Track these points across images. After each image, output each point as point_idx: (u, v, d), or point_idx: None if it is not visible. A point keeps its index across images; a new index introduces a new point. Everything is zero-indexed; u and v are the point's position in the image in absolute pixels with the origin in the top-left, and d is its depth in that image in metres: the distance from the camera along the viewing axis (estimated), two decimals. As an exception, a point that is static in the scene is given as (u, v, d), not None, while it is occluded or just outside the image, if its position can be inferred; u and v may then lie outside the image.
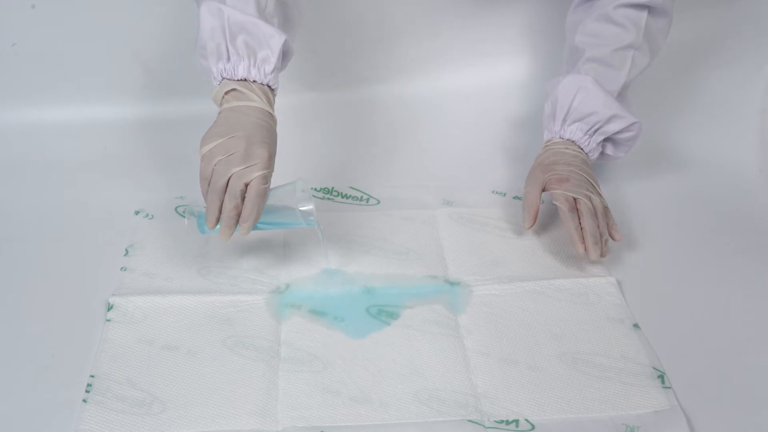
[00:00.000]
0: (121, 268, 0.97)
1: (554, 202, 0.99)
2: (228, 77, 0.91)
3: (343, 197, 1.11)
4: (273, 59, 0.91)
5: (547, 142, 1.08)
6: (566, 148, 1.05)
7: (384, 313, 0.91)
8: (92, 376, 0.82)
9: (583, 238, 0.96)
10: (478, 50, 1.35)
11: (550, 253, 1.01)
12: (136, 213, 1.07)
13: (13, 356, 0.86)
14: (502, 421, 0.79)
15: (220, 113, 0.91)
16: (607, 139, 1.07)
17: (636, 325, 0.90)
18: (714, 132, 1.23)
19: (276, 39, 0.90)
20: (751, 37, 1.26)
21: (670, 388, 0.83)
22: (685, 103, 1.28)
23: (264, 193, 0.87)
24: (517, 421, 0.79)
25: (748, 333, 0.91)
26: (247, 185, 0.86)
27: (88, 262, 0.99)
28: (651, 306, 0.94)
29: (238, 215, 0.87)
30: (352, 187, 1.13)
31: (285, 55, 0.94)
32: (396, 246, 1.02)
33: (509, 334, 0.89)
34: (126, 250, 1.00)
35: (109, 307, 0.91)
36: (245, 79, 0.91)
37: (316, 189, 1.12)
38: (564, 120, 1.05)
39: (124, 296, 0.92)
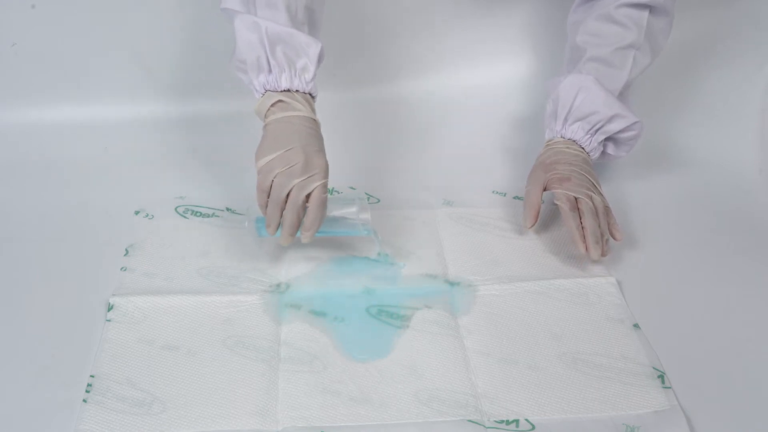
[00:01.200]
0: (121, 268, 0.97)
1: (555, 201, 1.00)
2: (271, 89, 0.93)
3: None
4: (312, 67, 0.93)
5: (548, 141, 1.08)
6: (568, 148, 1.05)
7: (384, 314, 0.91)
8: (92, 376, 0.82)
9: (584, 237, 0.96)
10: (478, 50, 1.35)
11: (550, 253, 1.01)
12: (136, 213, 1.07)
13: (13, 356, 0.86)
14: (502, 421, 0.79)
15: (267, 125, 0.93)
16: (608, 139, 1.07)
17: (636, 325, 0.90)
18: (714, 132, 1.23)
19: (313, 47, 0.93)
20: (751, 37, 1.26)
21: (670, 388, 0.83)
22: (685, 103, 1.28)
23: (325, 202, 0.90)
24: (517, 421, 0.79)
25: (748, 333, 0.91)
26: (308, 195, 0.89)
27: (88, 262, 0.99)
28: (651, 306, 0.94)
29: (299, 223, 0.90)
30: (351, 187, 1.13)
31: (320, 62, 0.96)
32: (396, 246, 1.02)
33: (509, 334, 0.89)
34: (126, 250, 1.00)
35: (110, 308, 0.91)
36: (288, 90, 0.93)
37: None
38: (565, 119, 1.05)
39: (124, 296, 0.92)
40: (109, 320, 0.89)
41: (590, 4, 1.09)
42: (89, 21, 1.23)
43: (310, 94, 0.95)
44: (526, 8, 1.32)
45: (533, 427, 0.79)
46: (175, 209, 1.07)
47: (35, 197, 1.10)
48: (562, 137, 1.06)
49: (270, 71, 0.92)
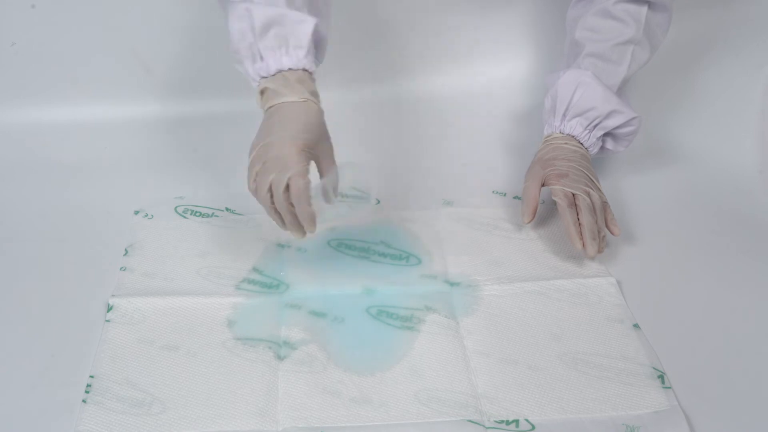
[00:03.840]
0: (121, 268, 0.97)
1: (553, 197, 1.00)
2: (265, 75, 0.88)
3: (342, 197, 1.11)
4: (305, 42, 0.87)
5: (547, 137, 1.08)
6: (566, 143, 1.05)
7: (384, 314, 0.91)
8: (92, 377, 0.82)
9: (580, 234, 0.97)
10: (477, 48, 1.35)
11: (551, 254, 1.01)
12: (136, 213, 1.07)
13: (13, 356, 0.86)
14: (502, 422, 0.79)
15: (263, 119, 0.89)
16: (607, 134, 1.07)
17: (636, 326, 0.90)
18: (714, 132, 1.23)
19: (307, 23, 0.87)
20: (751, 37, 1.26)
21: (670, 388, 0.83)
22: (685, 104, 1.28)
23: (304, 191, 0.83)
24: (517, 422, 0.79)
25: (748, 333, 0.91)
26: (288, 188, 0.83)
27: (88, 262, 0.99)
28: (651, 306, 0.94)
29: (295, 215, 0.85)
30: (352, 187, 1.13)
31: (320, 42, 0.90)
32: (396, 246, 1.02)
33: (509, 335, 0.89)
34: (126, 250, 1.00)
35: (109, 308, 0.91)
36: (281, 71, 0.88)
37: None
38: (564, 115, 1.06)
39: (124, 297, 0.92)
40: (108, 321, 0.89)
41: (589, 0, 1.09)
42: (89, 21, 1.23)
43: (308, 72, 0.89)
44: (525, 4, 1.32)
45: (533, 428, 0.79)
46: (175, 209, 1.07)
47: (35, 197, 1.10)
48: (560, 133, 1.06)
49: (262, 58, 0.87)
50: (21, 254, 1.00)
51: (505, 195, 1.12)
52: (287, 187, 0.83)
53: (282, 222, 0.87)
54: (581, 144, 1.06)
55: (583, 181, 1.00)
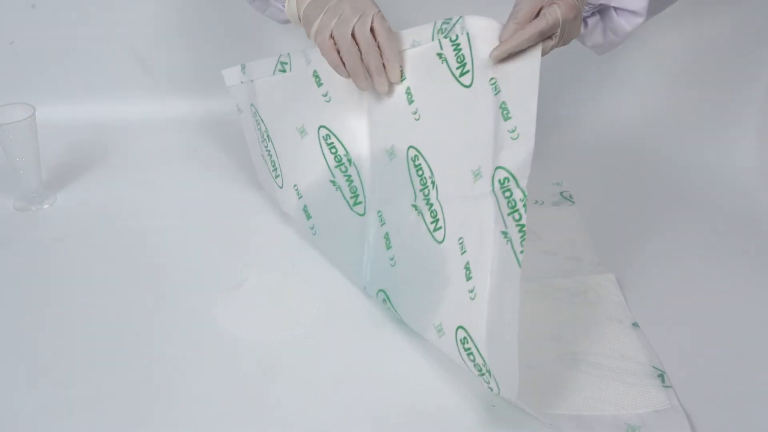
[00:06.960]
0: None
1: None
2: None
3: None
4: None
5: None
6: None
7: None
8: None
9: None
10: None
11: (550, 255, 1.01)
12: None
13: (13, 356, 0.86)
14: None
15: (305, 8, 0.87)
16: (606, 16, 0.92)
17: (635, 324, 0.90)
18: (714, 132, 1.24)
19: None
20: (751, 37, 1.26)
21: (670, 387, 0.82)
22: (685, 104, 1.28)
23: (390, 28, 0.83)
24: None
25: (748, 332, 0.91)
26: (372, 30, 0.82)
27: (88, 261, 0.99)
28: (650, 305, 0.94)
29: (380, 60, 0.84)
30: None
31: None
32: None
33: (509, 334, 0.89)
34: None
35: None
36: None
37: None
38: None
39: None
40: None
41: None
42: (89, 20, 1.24)
43: None
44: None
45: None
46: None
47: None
48: None
49: None
50: (21, 254, 1.01)
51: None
52: (372, 30, 0.82)
53: (364, 74, 0.84)
54: None
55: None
